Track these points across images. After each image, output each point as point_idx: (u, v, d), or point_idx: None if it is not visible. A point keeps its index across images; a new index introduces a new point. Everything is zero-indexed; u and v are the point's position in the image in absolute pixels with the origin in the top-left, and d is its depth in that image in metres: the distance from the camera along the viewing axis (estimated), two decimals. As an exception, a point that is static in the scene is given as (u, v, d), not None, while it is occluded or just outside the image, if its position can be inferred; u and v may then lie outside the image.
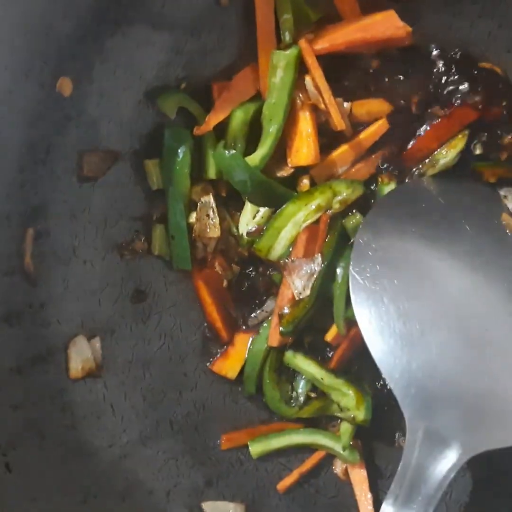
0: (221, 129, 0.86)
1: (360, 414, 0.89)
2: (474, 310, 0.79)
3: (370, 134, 0.86)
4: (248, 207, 0.90)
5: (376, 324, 0.79)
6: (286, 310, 0.88)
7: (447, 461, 0.74)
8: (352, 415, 0.89)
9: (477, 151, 0.86)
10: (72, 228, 0.82)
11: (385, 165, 0.87)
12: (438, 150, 0.86)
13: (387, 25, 0.82)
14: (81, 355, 0.83)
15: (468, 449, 0.74)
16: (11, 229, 0.77)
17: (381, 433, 0.92)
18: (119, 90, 0.81)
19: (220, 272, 0.92)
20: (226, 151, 0.85)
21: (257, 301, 0.93)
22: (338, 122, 0.83)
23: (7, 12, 0.68)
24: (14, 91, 0.72)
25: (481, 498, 0.88)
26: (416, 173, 0.87)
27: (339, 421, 0.92)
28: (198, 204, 0.89)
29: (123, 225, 0.86)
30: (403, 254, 0.82)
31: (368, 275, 0.81)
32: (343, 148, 0.86)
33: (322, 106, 0.83)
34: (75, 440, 0.83)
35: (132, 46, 0.79)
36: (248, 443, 0.92)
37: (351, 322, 0.85)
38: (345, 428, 0.91)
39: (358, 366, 0.91)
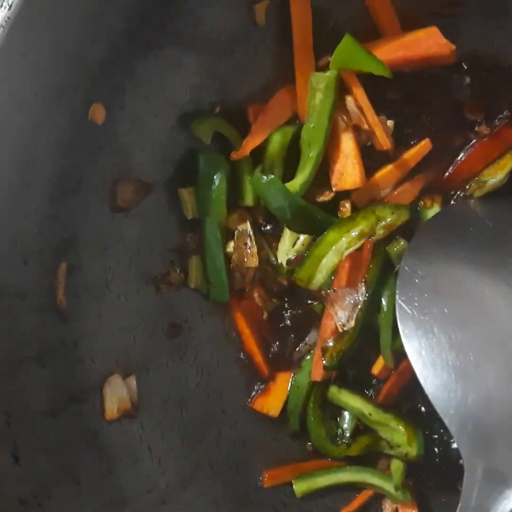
0: (257, 154, 0.84)
1: (413, 450, 0.85)
2: None
3: (413, 154, 0.83)
4: (287, 235, 0.87)
5: (427, 356, 0.76)
6: (330, 343, 0.85)
7: (509, 502, 0.70)
8: (404, 452, 0.85)
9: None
10: (105, 260, 0.80)
11: (428, 189, 0.84)
12: (485, 170, 0.83)
13: (430, 42, 0.79)
14: (117, 394, 0.80)
15: None
16: (43, 265, 0.75)
17: (433, 472, 0.88)
18: (151, 116, 0.79)
19: (259, 304, 0.90)
20: (264, 176, 0.82)
21: (298, 334, 0.90)
22: (384, 141, 0.80)
23: (37, 37, 0.66)
24: (45, 118, 0.70)
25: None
26: (461, 195, 0.84)
27: (389, 458, 0.88)
28: (235, 232, 0.86)
29: (157, 256, 0.84)
30: (452, 280, 0.79)
31: (416, 304, 0.78)
32: (387, 169, 0.83)
33: (365, 126, 0.81)
34: (112, 486, 0.80)
35: (164, 69, 0.78)
36: (292, 481, 0.89)
37: (399, 354, 0.82)
38: (397, 466, 0.87)
39: (409, 401, 0.87)
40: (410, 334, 0.77)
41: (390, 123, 0.82)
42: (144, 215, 0.82)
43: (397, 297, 0.79)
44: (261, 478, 0.88)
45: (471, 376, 0.74)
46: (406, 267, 0.80)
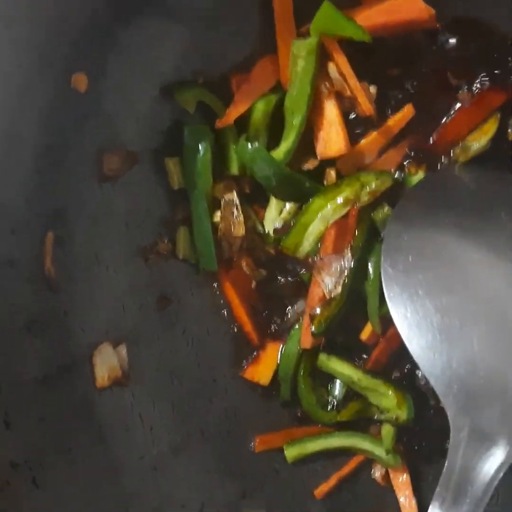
0: (242, 124, 0.84)
1: (403, 414, 0.86)
2: None
3: (397, 120, 0.83)
4: (274, 203, 0.87)
5: (412, 318, 0.76)
6: (318, 310, 0.85)
7: (494, 460, 0.70)
8: (394, 416, 0.86)
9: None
10: (93, 232, 0.80)
11: (412, 154, 0.84)
12: (469, 135, 0.83)
13: (409, 7, 0.79)
14: (107, 362, 0.81)
15: None
16: (31, 234, 0.75)
17: (423, 436, 0.89)
18: (135, 85, 0.78)
19: (248, 273, 0.90)
20: (249, 145, 0.82)
21: (287, 303, 0.90)
22: (367, 108, 0.80)
23: (17, 7, 0.66)
24: (28, 89, 0.70)
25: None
26: (446, 161, 0.84)
27: (380, 424, 0.89)
28: (222, 202, 0.86)
29: (145, 227, 0.84)
30: (437, 245, 0.79)
31: (400, 268, 0.78)
32: (371, 136, 0.83)
33: (348, 93, 0.81)
34: (103, 453, 0.80)
35: (147, 39, 0.77)
36: (283, 447, 0.90)
37: (387, 320, 0.82)
38: (387, 431, 0.88)
39: (398, 367, 0.88)
40: (395, 298, 0.77)
41: (372, 89, 0.82)
42: (131, 186, 0.82)
43: (381, 261, 0.79)
44: (252, 445, 0.89)
45: (456, 337, 0.74)
46: (391, 232, 0.80)
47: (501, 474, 0.70)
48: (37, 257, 0.75)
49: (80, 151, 0.77)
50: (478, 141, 0.82)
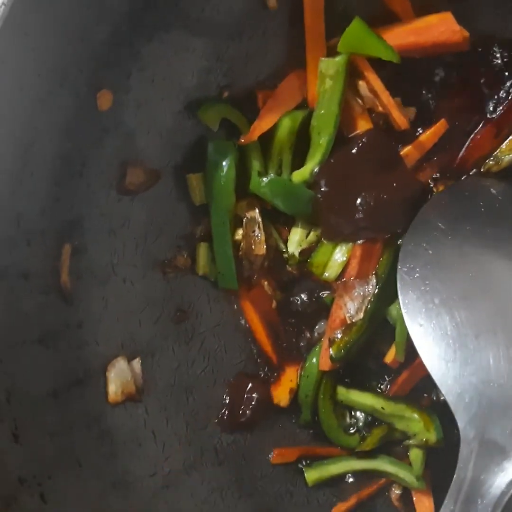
0: (266, 141, 0.83)
1: (432, 436, 0.84)
2: None
3: (430, 135, 0.82)
4: (300, 225, 0.86)
5: (426, 326, 0.75)
6: (338, 334, 0.84)
7: (506, 475, 0.68)
8: (423, 439, 0.84)
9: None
10: (111, 244, 0.80)
11: (440, 173, 0.83)
12: (502, 146, 0.82)
13: (442, 29, 0.78)
14: (121, 378, 0.80)
15: None
16: (47, 246, 0.74)
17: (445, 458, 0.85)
18: (158, 100, 0.78)
19: (269, 293, 0.88)
20: (264, 179, 0.82)
21: (307, 324, 0.89)
22: (402, 122, 0.80)
23: (39, 17, 0.65)
24: (48, 100, 0.69)
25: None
26: (475, 172, 0.83)
27: (401, 445, 0.87)
28: (244, 220, 0.85)
29: (164, 241, 0.83)
30: (456, 254, 0.78)
31: (417, 275, 0.77)
32: (405, 150, 0.82)
33: (380, 109, 0.80)
34: (114, 469, 0.79)
35: (170, 53, 0.77)
36: (304, 469, 0.88)
37: (414, 351, 0.79)
38: (416, 455, 0.86)
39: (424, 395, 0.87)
40: (410, 304, 0.76)
41: (411, 110, 0.81)
42: (151, 200, 0.81)
43: (398, 266, 0.78)
44: (269, 457, 0.88)
45: (471, 347, 0.73)
46: (410, 238, 0.79)
47: None
48: (52, 269, 0.75)
49: (99, 165, 0.76)
50: (510, 151, 0.81)
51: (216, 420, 0.86)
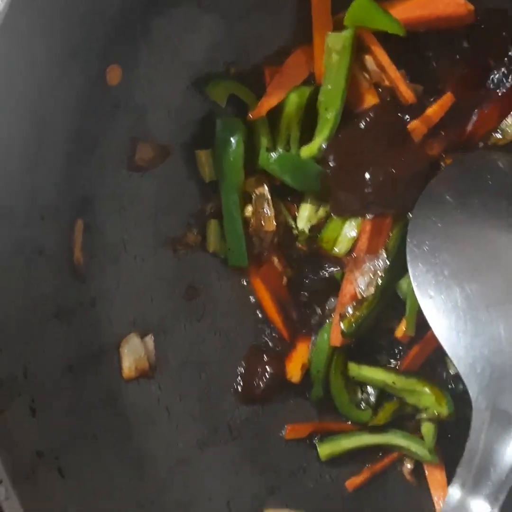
0: (274, 117, 0.83)
1: (443, 410, 0.84)
2: None
3: (437, 108, 0.81)
4: (309, 201, 0.86)
5: (436, 298, 0.76)
6: (349, 310, 0.84)
7: None
8: (435, 413, 0.84)
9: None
10: (122, 221, 0.80)
11: (449, 148, 0.83)
12: (506, 120, 0.82)
13: (447, 1, 0.78)
14: (134, 354, 0.81)
15: None
16: (60, 222, 0.75)
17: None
18: (166, 76, 0.78)
19: (279, 269, 0.89)
20: (272, 154, 0.83)
21: (318, 300, 0.89)
22: (409, 95, 0.80)
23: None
24: (59, 77, 0.70)
25: None
26: (482, 145, 0.83)
27: (414, 420, 0.88)
28: (253, 196, 0.86)
29: (175, 219, 0.84)
30: (465, 226, 0.78)
31: (427, 247, 0.78)
32: (412, 124, 0.81)
33: (386, 83, 0.80)
34: (129, 444, 0.80)
35: (179, 29, 0.77)
36: (316, 444, 0.89)
37: (423, 324, 0.80)
38: (428, 428, 0.86)
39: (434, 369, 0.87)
40: (420, 277, 0.77)
41: (418, 87, 0.81)
42: (161, 177, 0.82)
43: (408, 240, 0.79)
44: (282, 434, 0.88)
45: (481, 318, 0.73)
46: (419, 212, 0.80)
47: None
48: (65, 245, 0.76)
49: (111, 139, 0.77)
50: None
51: (232, 391, 0.87)
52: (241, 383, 0.87)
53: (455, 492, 0.69)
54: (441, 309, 0.75)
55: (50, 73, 0.69)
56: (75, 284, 0.77)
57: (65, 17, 0.68)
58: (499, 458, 0.69)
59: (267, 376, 0.88)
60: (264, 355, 0.88)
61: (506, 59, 0.81)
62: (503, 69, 0.81)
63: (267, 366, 0.88)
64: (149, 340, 0.83)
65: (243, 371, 0.88)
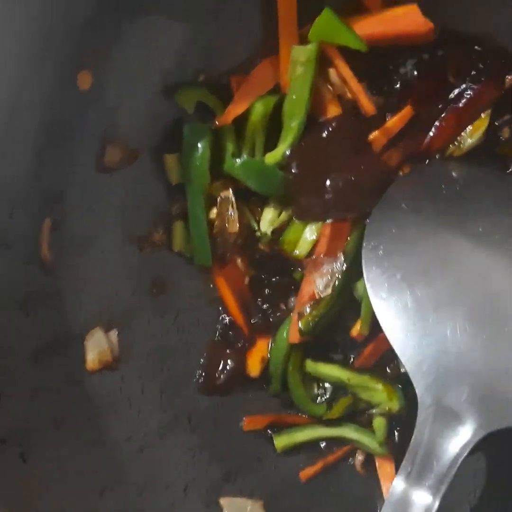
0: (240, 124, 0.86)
1: (394, 405, 0.87)
2: (490, 287, 0.78)
3: (396, 121, 0.84)
4: (272, 205, 0.89)
5: (388, 299, 0.79)
6: (307, 309, 0.87)
7: (460, 438, 0.73)
8: (386, 408, 0.88)
9: (505, 135, 0.85)
10: (90, 218, 0.82)
11: (407, 158, 0.86)
12: (462, 133, 0.84)
13: (407, 20, 0.80)
14: (98, 347, 0.83)
15: (482, 426, 0.73)
16: (28, 217, 0.77)
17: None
18: (137, 80, 0.80)
19: (242, 269, 0.91)
20: (237, 160, 0.85)
21: (278, 300, 0.92)
22: (369, 107, 0.82)
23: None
24: (30, 74, 0.71)
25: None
26: (439, 156, 0.86)
27: (366, 414, 0.91)
28: (218, 199, 0.88)
29: (141, 217, 0.86)
30: (419, 232, 0.81)
31: (381, 252, 0.81)
32: (373, 135, 0.84)
33: (349, 95, 0.83)
34: (92, 431, 0.83)
35: (150, 34, 0.78)
36: (272, 436, 0.92)
37: (378, 326, 0.83)
38: (379, 422, 0.90)
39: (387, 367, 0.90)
40: (374, 279, 0.80)
41: (380, 99, 0.84)
42: (129, 177, 0.84)
43: (363, 244, 0.82)
44: (240, 425, 0.91)
45: (430, 319, 0.76)
46: (375, 217, 0.82)
47: (466, 452, 0.72)
48: (33, 241, 0.78)
49: (80, 139, 0.78)
50: (471, 136, 0.84)
51: (193, 382, 0.90)
52: (203, 375, 0.90)
53: (399, 483, 0.72)
54: (392, 310, 0.78)
55: (20, 69, 0.70)
56: (42, 276, 0.79)
57: (38, 19, 0.69)
58: (442, 451, 0.72)
59: (228, 370, 0.91)
60: (226, 350, 0.91)
61: (466, 76, 0.83)
62: (463, 85, 0.83)
63: (228, 360, 0.91)
64: (113, 334, 0.85)
65: (205, 364, 0.90)
